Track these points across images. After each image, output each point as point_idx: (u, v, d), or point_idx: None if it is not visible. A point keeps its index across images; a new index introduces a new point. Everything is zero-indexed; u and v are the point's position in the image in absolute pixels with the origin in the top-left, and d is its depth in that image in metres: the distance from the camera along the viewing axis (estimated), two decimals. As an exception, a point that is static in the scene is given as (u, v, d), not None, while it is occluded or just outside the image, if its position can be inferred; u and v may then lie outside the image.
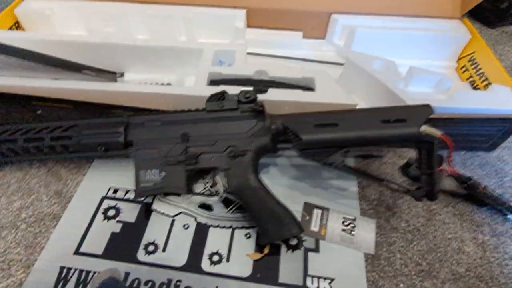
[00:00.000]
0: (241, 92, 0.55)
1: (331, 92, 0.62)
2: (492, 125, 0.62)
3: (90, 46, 0.70)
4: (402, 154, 0.69)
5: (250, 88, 0.57)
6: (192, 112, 0.56)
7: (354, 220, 0.59)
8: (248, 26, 0.83)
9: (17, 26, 0.80)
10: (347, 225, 0.58)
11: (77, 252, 0.54)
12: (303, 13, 0.81)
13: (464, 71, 0.76)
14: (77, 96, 0.60)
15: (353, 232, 0.58)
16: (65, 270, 0.52)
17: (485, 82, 0.68)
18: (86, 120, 0.57)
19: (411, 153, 0.69)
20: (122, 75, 0.75)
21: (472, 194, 0.60)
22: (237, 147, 0.54)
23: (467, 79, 0.74)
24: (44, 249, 0.54)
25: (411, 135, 0.49)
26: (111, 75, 0.62)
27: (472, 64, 0.73)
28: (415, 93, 0.67)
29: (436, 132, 0.50)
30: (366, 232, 0.58)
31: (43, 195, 0.61)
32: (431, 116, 0.51)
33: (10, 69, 0.59)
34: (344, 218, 0.59)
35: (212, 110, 0.55)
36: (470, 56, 0.74)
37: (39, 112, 0.64)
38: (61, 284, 0.50)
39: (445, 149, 0.50)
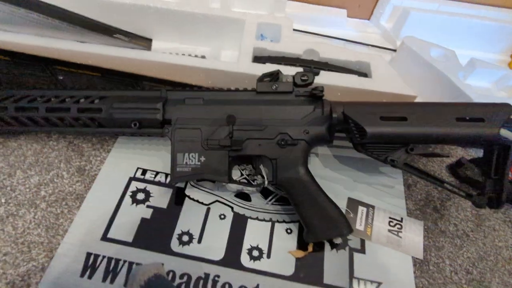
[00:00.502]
0: (297, 73, 0.48)
1: (389, 80, 0.56)
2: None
3: (118, 6, 0.62)
4: (450, 151, 0.65)
5: (301, 69, 0.51)
6: (240, 92, 0.50)
7: (401, 220, 0.55)
8: (289, -2, 0.75)
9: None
10: (393, 226, 0.54)
11: (104, 237, 0.49)
12: (351, -12, 0.74)
13: (520, 67, 0.70)
14: (107, 63, 0.53)
15: (400, 234, 0.54)
16: (92, 257, 0.47)
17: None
18: (119, 92, 0.51)
19: (459, 151, 0.65)
20: (150, 41, 0.67)
21: (526, 202, 0.57)
22: (289, 135, 0.48)
23: (523, 75, 0.69)
24: (68, 232, 0.49)
25: (489, 136, 0.44)
26: (146, 42, 0.55)
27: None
28: (473, 86, 0.61)
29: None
30: (414, 235, 0.54)
31: (64, 172, 0.55)
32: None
33: (31, 26, 0.52)
34: (390, 218, 0.55)
35: (264, 91, 0.49)
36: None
37: (60, 77, 0.57)
38: (88, 271, 0.46)
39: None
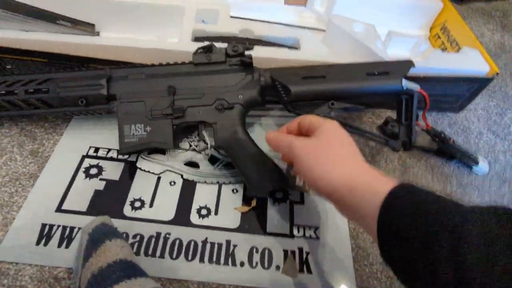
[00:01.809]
0: (229, 45, 0.54)
1: (316, 51, 0.63)
2: (461, 86, 0.66)
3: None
4: (380, 114, 0.73)
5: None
6: (178, 65, 0.55)
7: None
8: (229, -12, 0.81)
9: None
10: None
11: (59, 209, 0.52)
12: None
13: (437, 39, 0.79)
14: (53, 49, 0.57)
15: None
16: (47, 227, 0.50)
17: (456, 48, 0.72)
18: (64, 73, 0.54)
19: (388, 113, 0.73)
20: (98, 34, 0.71)
21: (443, 149, 0.65)
22: (225, 100, 0.54)
23: (439, 46, 0.78)
24: (23, 208, 0.51)
25: (393, 87, 0.51)
26: (89, 27, 0.59)
27: (444, 32, 0.77)
28: (393, 55, 0.69)
29: (415, 85, 0.53)
30: (348, 185, 0.60)
31: (17, 155, 0.57)
32: (410, 75, 0.53)
33: (-26, 17, 0.54)
34: (327, 173, 0.61)
35: (199, 63, 0.54)
36: (442, 24, 0.78)
37: (8, 67, 0.60)
38: (44, 239, 0.49)
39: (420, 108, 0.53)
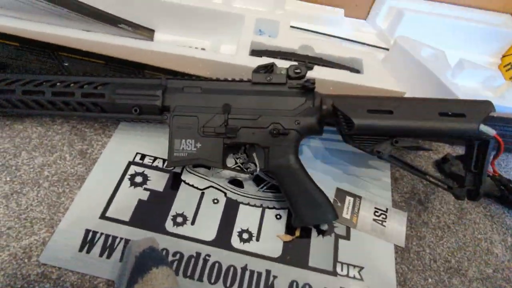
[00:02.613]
0: (291, 66, 0.51)
1: (379, 77, 0.59)
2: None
3: (122, -1, 0.64)
4: (437, 148, 0.68)
5: (295, 63, 0.54)
6: (236, 82, 0.53)
7: (386, 211, 0.58)
8: (288, -4, 0.78)
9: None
10: (378, 216, 0.57)
11: (103, 216, 0.52)
12: (349, -12, 0.77)
13: (508, 69, 0.73)
14: (111, 52, 0.56)
15: (384, 223, 0.56)
16: (91, 233, 0.50)
17: (534, 83, 0.66)
18: (121, 79, 0.53)
19: (446, 148, 0.68)
20: (153, 32, 0.70)
21: (507, 197, 0.59)
22: (281, 124, 0.51)
23: (511, 78, 0.71)
24: (69, 210, 0.52)
25: (469, 131, 0.47)
26: (149, 32, 0.57)
27: (519, 63, 0.70)
28: (461, 86, 0.64)
29: (491, 130, 0.48)
30: (397, 224, 0.57)
31: (67, 154, 0.58)
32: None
33: (39, 14, 0.54)
34: (376, 208, 0.58)
35: (259, 82, 0.52)
36: (517, 54, 0.71)
37: (66, 64, 0.60)
38: (87, 246, 0.49)
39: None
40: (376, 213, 0.57)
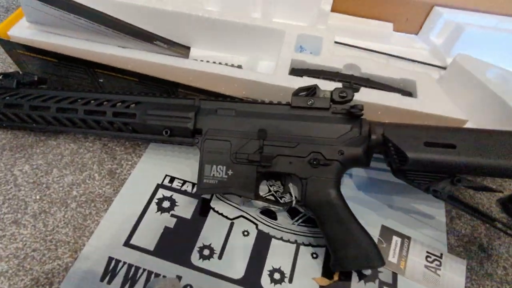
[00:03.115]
0: (336, 89, 0.46)
1: (436, 101, 0.52)
2: None
3: (159, 14, 0.63)
4: (502, 183, 0.58)
5: (340, 85, 0.48)
6: (274, 105, 0.48)
7: (440, 257, 0.50)
8: (332, 10, 0.72)
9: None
10: (431, 262, 0.50)
11: (127, 243, 0.49)
12: (399, 1, 0.70)
13: None
14: (145, 69, 0.54)
15: (438, 272, 0.49)
16: (113, 262, 0.47)
17: None
18: (153, 98, 0.51)
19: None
20: (188, 48, 0.68)
21: None
22: (323, 154, 0.46)
23: None
24: (94, 234, 0.49)
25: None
26: (184, 50, 0.55)
27: None
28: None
29: None
30: (455, 274, 0.49)
31: (96, 174, 0.56)
32: None
33: (78, 30, 0.54)
34: (428, 252, 0.50)
35: (299, 106, 0.47)
36: None
37: (101, 80, 0.59)
38: (108, 276, 0.46)
39: None
40: (429, 259, 0.50)
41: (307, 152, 0.46)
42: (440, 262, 0.49)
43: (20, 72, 0.56)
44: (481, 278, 0.49)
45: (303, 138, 0.46)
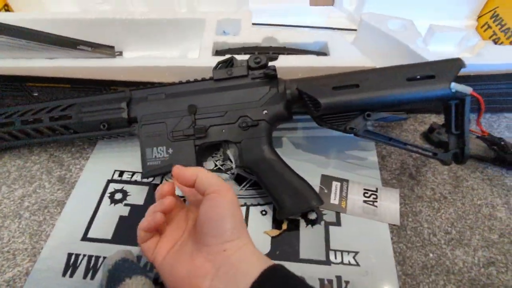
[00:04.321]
0: (251, 57, 0.50)
1: (347, 55, 0.57)
2: (521, 82, 0.57)
3: (84, 23, 0.66)
4: (423, 119, 0.65)
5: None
6: (199, 82, 0.52)
7: (376, 191, 0.55)
8: (251, -5, 0.78)
9: (6, 9, 0.75)
10: (368, 197, 0.55)
11: (84, 238, 0.51)
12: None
13: (486, 29, 0.70)
14: (75, 74, 0.56)
15: (375, 203, 0.54)
16: (73, 257, 0.49)
17: None
18: (86, 98, 0.53)
19: (433, 118, 0.65)
20: (120, 53, 0.71)
21: (502, 157, 0.56)
22: (249, 117, 0.50)
23: (490, 37, 0.69)
24: (50, 237, 0.51)
25: (440, 92, 0.45)
26: (109, 50, 0.58)
27: (495, 21, 0.68)
28: (437, 52, 0.62)
29: (466, 88, 0.45)
30: (390, 203, 0.54)
31: (46, 182, 0.57)
32: (459, 74, 0.46)
33: (3, 49, 0.55)
34: (365, 189, 0.56)
35: (220, 78, 0.51)
36: (492, 12, 0.69)
37: (35, 94, 0.60)
38: (70, 270, 0.47)
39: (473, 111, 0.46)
40: (366, 194, 0.55)
41: (235, 118, 0.50)
42: (376, 196, 0.55)
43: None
44: (413, 201, 0.54)
45: (229, 106, 0.50)
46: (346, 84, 0.47)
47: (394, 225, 0.52)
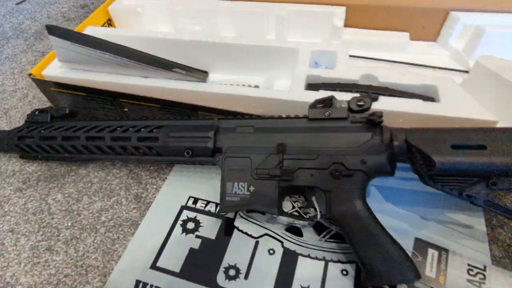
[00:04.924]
0: (353, 98, 0.45)
1: (461, 104, 0.50)
2: None
3: (178, 44, 0.67)
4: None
5: (357, 95, 0.48)
6: (291, 119, 0.48)
7: (484, 269, 0.46)
8: (345, 25, 0.73)
9: (109, 23, 0.80)
10: (474, 275, 0.46)
11: (153, 266, 0.49)
12: (413, 10, 0.70)
13: None
14: (165, 95, 0.57)
15: (483, 286, 0.45)
16: (141, 285, 0.47)
17: None
18: (174, 122, 0.53)
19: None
20: (206, 73, 0.70)
21: None
22: (344, 164, 0.45)
23: None
24: (121, 258, 0.50)
25: None
26: (202, 74, 0.57)
27: None
28: None
29: None
30: (503, 288, 0.44)
31: (123, 199, 0.58)
32: None
33: (103, 65, 0.58)
34: (469, 265, 0.47)
35: (316, 118, 0.47)
36: None
37: (126, 109, 0.62)
38: (136, 300, 0.46)
39: None
40: (471, 272, 0.46)
41: (328, 164, 0.45)
42: (484, 275, 0.46)
43: (53, 107, 0.60)
44: (534, 291, 0.44)
45: (323, 149, 0.46)
46: (470, 144, 0.39)
47: (508, 319, 0.42)
